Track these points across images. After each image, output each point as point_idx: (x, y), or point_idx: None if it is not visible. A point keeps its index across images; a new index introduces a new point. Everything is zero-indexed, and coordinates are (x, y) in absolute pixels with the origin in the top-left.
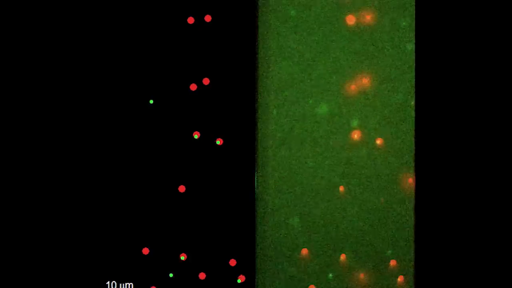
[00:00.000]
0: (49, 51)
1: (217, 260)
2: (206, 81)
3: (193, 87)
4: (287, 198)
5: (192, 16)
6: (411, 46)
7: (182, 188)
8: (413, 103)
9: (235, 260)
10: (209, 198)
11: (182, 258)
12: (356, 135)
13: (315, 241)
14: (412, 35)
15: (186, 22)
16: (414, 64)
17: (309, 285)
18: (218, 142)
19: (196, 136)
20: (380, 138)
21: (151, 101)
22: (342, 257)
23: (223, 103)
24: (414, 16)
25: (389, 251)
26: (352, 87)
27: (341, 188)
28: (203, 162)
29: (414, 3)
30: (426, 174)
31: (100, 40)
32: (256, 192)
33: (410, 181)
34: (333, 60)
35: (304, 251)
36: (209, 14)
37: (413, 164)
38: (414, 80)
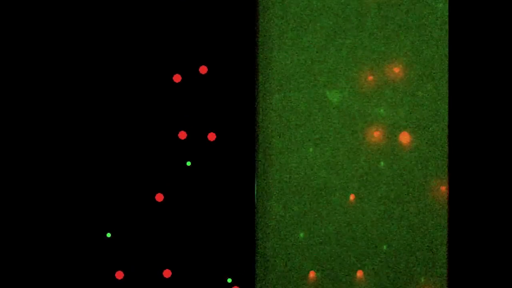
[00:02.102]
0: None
1: (209, 284)
2: (201, 69)
3: (177, 77)
4: (293, 208)
5: None
6: (444, 27)
7: (160, 197)
8: (446, 95)
9: (231, 285)
10: (197, 209)
11: (166, 277)
12: (377, 133)
13: (326, 262)
14: (446, 13)
15: None
16: (448, 50)
17: None
18: (211, 138)
19: (182, 137)
20: (406, 137)
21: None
22: (358, 277)
23: (216, 94)
24: None
25: (417, 272)
26: (373, 75)
27: (358, 197)
28: (191, 163)
29: None
30: (461, 181)
31: (62, 15)
32: (256, 202)
33: (443, 189)
34: (349, 43)
35: (312, 274)
36: None
37: (446, 168)
38: (447, 68)
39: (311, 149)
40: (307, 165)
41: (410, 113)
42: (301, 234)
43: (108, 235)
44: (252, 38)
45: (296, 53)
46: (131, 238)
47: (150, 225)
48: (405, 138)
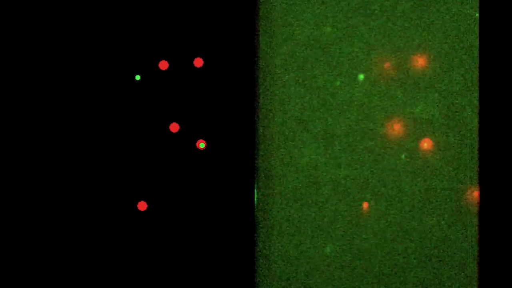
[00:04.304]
0: None
1: None
2: (199, 62)
3: (163, 64)
4: (299, 220)
5: None
6: (475, 15)
7: (143, 206)
8: (477, 89)
9: None
10: (184, 223)
11: None
12: (398, 131)
13: (335, 283)
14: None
15: None
16: (478, 41)
17: None
18: (202, 145)
19: (173, 131)
20: (431, 136)
21: (138, 77)
22: None
23: (209, 87)
24: None
25: None
26: (394, 66)
27: (374, 205)
28: (179, 172)
29: None
30: (495, 186)
31: None
32: (256, 218)
33: (473, 195)
34: (367, 27)
35: None
36: None
37: (476, 171)
38: (478, 60)
39: (320, 150)
40: (315, 169)
41: (438, 108)
42: (308, 251)
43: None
44: (251, 21)
45: (304, 38)
46: (108, 250)
47: (128, 240)
48: (429, 136)
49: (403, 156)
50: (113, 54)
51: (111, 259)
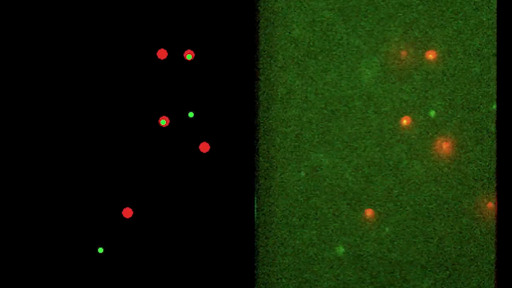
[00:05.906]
0: None
1: None
2: (187, 53)
3: (162, 53)
4: (302, 233)
5: None
6: (493, 7)
7: (128, 214)
8: (494, 89)
9: None
10: (183, 229)
11: None
12: (407, 132)
13: None
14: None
15: None
16: (496, 32)
17: None
18: (204, 149)
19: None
20: (445, 140)
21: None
22: None
23: (206, 89)
24: None
25: None
26: (406, 63)
27: (383, 215)
28: (175, 176)
29: None
30: None
31: None
32: (257, 222)
33: (490, 206)
34: (374, 21)
35: None
36: None
37: (494, 180)
38: (496, 59)
39: (324, 152)
40: (318, 172)
41: (451, 109)
42: (311, 257)
43: (100, 250)
44: (251, 20)
45: (309, 30)
46: (95, 258)
47: (121, 245)
48: (444, 141)
49: (413, 160)
50: (112, 52)
51: (95, 268)
